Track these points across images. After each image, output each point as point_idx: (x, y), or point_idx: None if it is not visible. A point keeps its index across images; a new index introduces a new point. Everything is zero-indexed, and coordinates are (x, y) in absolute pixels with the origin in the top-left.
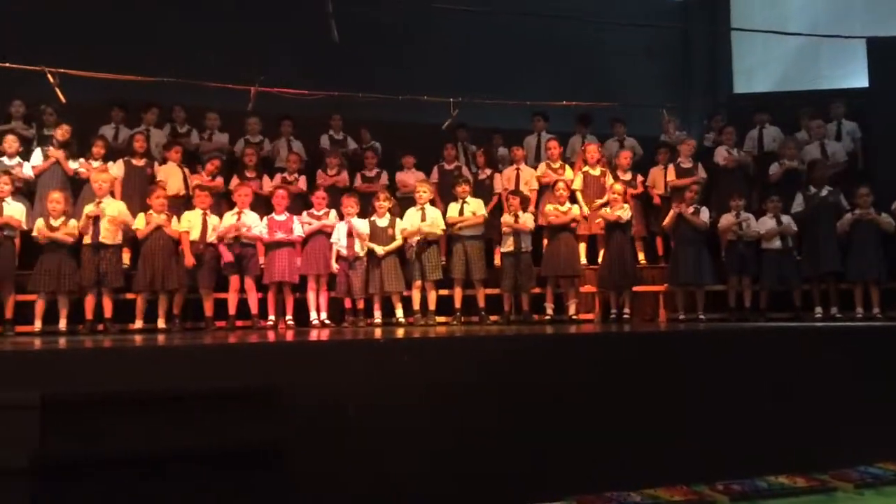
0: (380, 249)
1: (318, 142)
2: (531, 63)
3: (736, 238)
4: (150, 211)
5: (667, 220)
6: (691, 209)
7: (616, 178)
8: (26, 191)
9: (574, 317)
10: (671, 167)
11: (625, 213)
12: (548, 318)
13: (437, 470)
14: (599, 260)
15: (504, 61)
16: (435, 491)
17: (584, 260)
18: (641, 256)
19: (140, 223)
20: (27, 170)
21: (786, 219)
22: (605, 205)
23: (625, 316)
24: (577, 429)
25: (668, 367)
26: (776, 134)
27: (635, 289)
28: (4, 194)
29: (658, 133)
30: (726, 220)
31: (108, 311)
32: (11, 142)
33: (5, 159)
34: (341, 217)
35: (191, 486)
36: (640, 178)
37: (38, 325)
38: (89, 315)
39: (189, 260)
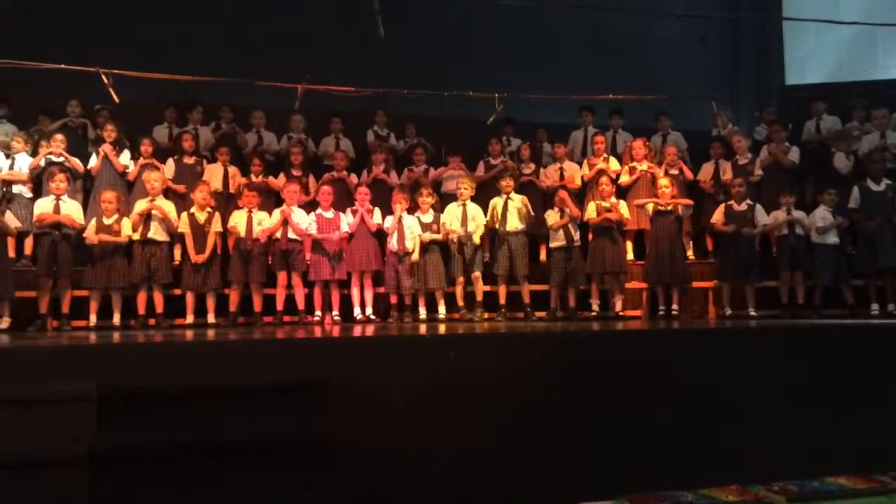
0: (426, 236)
1: (364, 138)
2: (577, 57)
3: (788, 233)
4: (193, 209)
5: (717, 217)
6: (744, 206)
7: (665, 174)
8: (89, 186)
9: (621, 313)
10: (727, 164)
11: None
12: (594, 314)
13: (484, 468)
14: (646, 255)
15: (550, 55)
16: (481, 489)
17: (630, 256)
18: (690, 252)
19: (184, 225)
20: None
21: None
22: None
23: (673, 312)
24: (627, 427)
25: (720, 364)
26: (833, 124)
27: None
28: (61, 192)
29: (707, 127)
30: (777, 216)
31: (159, 307)
32: (59, 142)
33: (52, 157)
34: (384, 213)
35: (240, 478)
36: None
37: (92, 319)
38: (141, 310)
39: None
